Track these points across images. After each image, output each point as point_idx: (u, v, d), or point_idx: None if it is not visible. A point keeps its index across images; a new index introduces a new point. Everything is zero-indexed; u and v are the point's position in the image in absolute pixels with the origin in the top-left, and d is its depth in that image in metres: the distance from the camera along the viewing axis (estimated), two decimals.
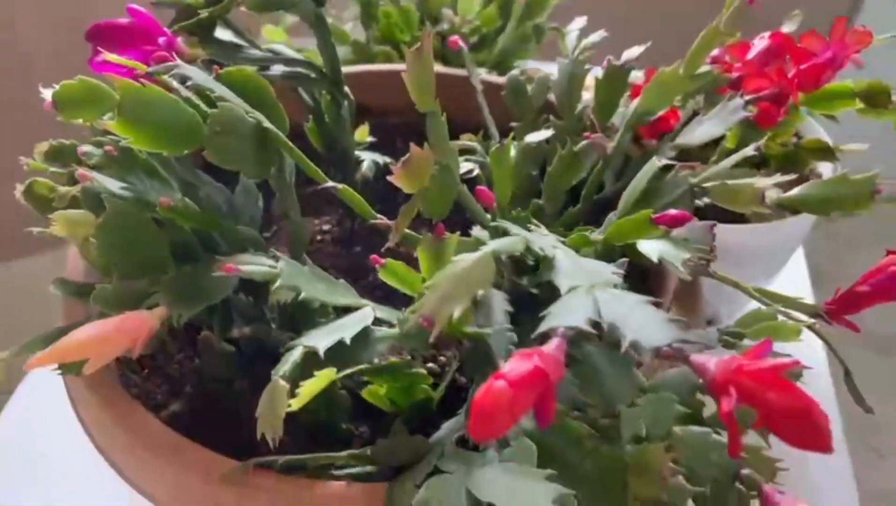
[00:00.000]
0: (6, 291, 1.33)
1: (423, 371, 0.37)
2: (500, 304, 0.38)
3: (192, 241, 0.37)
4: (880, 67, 0.58)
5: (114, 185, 0.34)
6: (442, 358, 0.45)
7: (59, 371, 0.35)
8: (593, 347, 0.36)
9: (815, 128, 0.65)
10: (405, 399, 0.40)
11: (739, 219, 0.63)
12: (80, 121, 0.31)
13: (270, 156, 0.37)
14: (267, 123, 0.36)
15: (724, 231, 0.62)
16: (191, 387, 0.42)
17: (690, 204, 0.36)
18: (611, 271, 0.31)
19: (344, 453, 0.35)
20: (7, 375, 0.34)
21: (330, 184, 0.37)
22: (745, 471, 0.28)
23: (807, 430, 0.23)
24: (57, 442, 0.63)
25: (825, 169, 0.64)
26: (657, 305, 0.28)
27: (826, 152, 0.61)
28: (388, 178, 0.32)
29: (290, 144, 0.37)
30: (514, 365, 0.24)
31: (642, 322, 0.27)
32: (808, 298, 0.79)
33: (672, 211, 0.33)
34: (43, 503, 0.59)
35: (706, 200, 0.38)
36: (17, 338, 0.36)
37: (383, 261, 0.32)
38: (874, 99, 0.54)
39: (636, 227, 0.34)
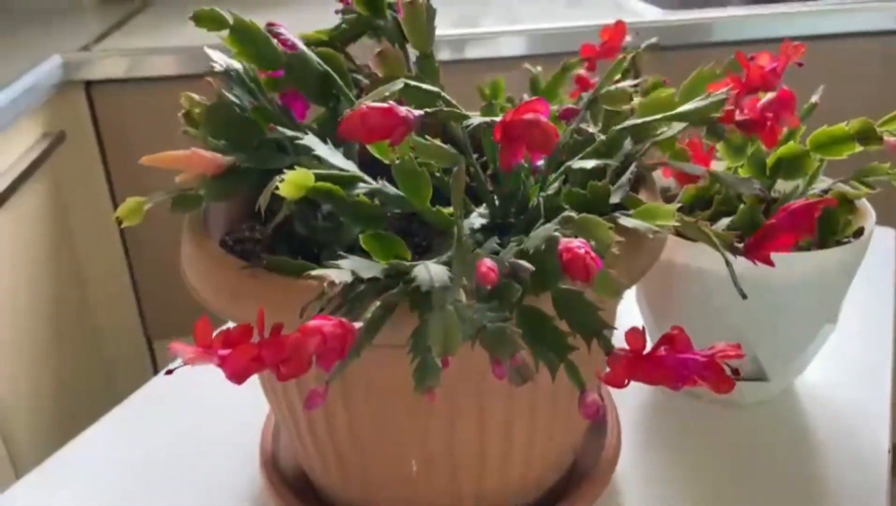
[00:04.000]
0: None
1: (398, 238, 0.51)
2: (480, 213, 0.52)
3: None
4: None
5: (225, 89, 0.53)
6: None
7: (174, 206, 0.53)
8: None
9: None
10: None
11: None
12: (206, 30, 0.52)
13: (330, 94, 0.56)
14: (329, 71, 0.55)
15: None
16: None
17: (586, 109, 0.48)
18: None
19: (330, 266, 0.49)
20: None
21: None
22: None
23: (539, 135, 0.35)
24: None
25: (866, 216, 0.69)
26: None
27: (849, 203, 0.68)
28: (369, 63, 0.48)
29: (346, 89, 0.55)
30: (374, 103, 0.38)
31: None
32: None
33: (567, 106, 0.46)
34: None
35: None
36: None
37: None
38: (867, 138, 0.61)
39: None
